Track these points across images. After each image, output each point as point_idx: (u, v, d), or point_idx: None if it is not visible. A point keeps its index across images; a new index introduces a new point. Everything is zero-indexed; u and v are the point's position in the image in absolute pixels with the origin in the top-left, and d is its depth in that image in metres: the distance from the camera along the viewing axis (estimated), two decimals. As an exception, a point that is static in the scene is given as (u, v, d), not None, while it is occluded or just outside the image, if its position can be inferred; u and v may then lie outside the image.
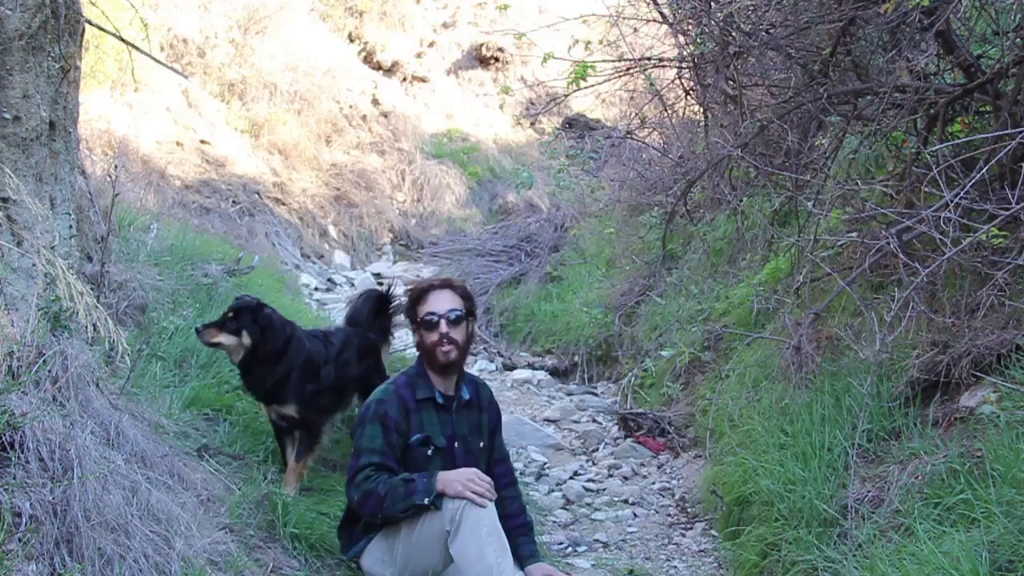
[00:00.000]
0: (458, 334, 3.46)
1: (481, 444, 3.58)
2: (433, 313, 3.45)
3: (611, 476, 5.57)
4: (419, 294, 3.50)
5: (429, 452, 3.39)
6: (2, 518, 2.40)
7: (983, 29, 4.43)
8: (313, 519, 3.69)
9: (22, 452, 2.61)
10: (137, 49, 5.47)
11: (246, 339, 4.07)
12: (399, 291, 5.15)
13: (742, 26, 4.59)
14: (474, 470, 3.28)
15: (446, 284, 3.55)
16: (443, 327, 3.42)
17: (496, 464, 3.66)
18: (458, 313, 3.48)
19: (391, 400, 3.40)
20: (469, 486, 3.17)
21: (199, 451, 3.88)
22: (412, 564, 3.26)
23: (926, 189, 3.63)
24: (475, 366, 8.27)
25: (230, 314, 4.14)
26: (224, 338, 4.08)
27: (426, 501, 3.17)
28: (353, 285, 10.98)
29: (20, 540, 2.43)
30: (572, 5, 9.60)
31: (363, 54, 16.46)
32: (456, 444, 3.48)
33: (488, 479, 3.25)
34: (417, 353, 3.59)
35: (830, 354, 4.33)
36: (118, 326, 3.39)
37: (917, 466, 3.33)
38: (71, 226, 3.78)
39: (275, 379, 4.11)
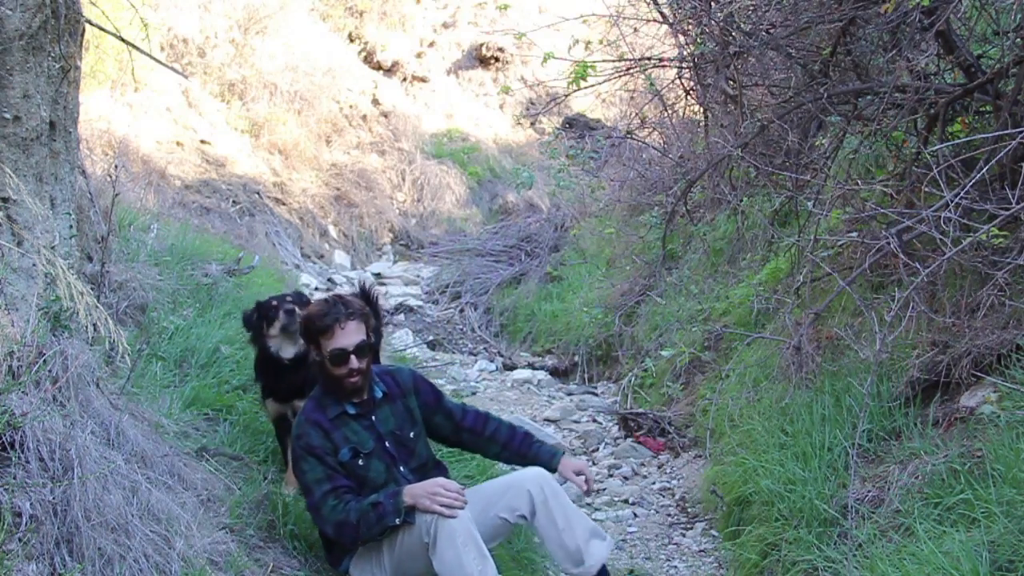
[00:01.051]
0: (364, 361, 3.37)
1: (413, 433, 3.49)
2: (342, 349, 3.32)
3: (611, 476, 5.57)
4: (324, 327, 3.33)
5: (361, 461, 3.34)
6: (2, 518, 2.40)
7: (983, 29, 4.43)
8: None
9: (22, 452, 2.61)
10: (137, 49, 5.47)
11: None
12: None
13: (742, 26, 4.60)
14: (440, 480, 3.21)
15: (352, 315, 3.35)
16: (353, 362, 3.32)
17: (462, 422, 3.59)
18: (364, 343, 3.37)
19: (306, 430, 3.34)
20: (436, 500, 3.12)
21: (198, 452, 3.88)
22: (402, 570, 3.29)
23: (926, 189, 3.63)
24: (475, 366, 8.28)
25: (289, 298, 4.10)
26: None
27: (397, 521, 3.16)
28: (353, 285, 10.98)
29: (20, 540, 2.43)
30: (572, 5, 9.60)
31: (363, 54, 16.46)
32: (387, 443, 3.41)
33: (455, 486, 3.19)
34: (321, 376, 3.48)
35: (830, 354, 4.33)
36: (118, 326, 3.39)
37: (917, 466, 3.33)
38: (71, 226, 3.78)
39: (304, 375, 4.12)
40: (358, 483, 3.33)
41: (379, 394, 3.46)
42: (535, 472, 3.39)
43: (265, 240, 10.71)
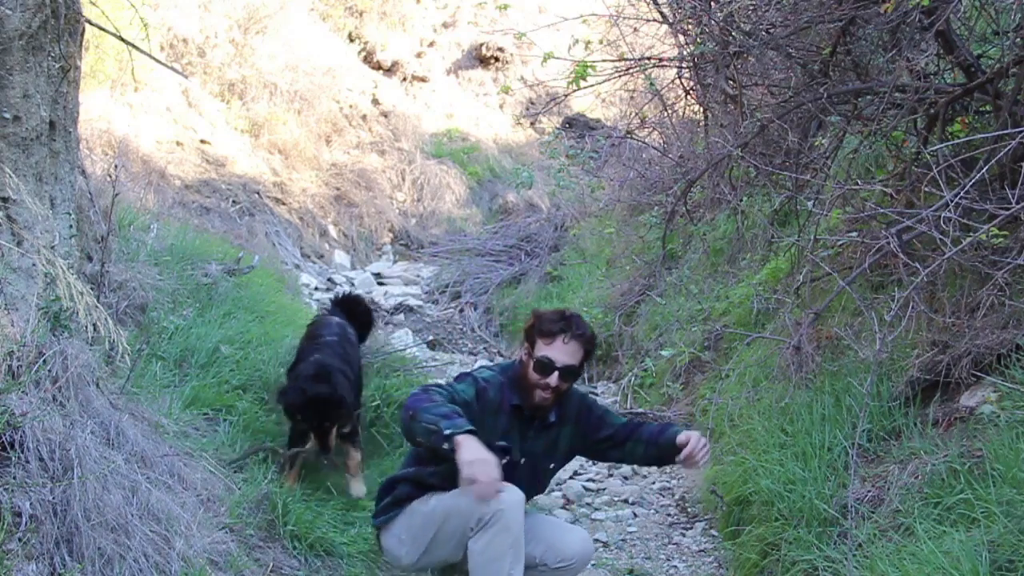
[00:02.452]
0: (564, 386, 3.24)
1: (553, 465, 3.44)
2: (551, 360, 3.19)
3: (611, 476, 5.57)
4: (548, 329, 3.22)
5: (503, 462, 3.01)
6: (2, 518, 2.40)
7: (983, 29, 4.43)
8: (313, 519, 3.69)
9: (22, 452, 2.61)
10: (137, 49, 5.47)
11: None
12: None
13: (742, 26, 4.60)
14: (496, 479, 2.88)
15: (580, 337, 3.22)
16: (554, 379, 3.20)
17: (620, 429, 3.42)
18: (574, 370, 3.24)
19: (494, 385, 3.24)
20: (483, 488, 2.83)
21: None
22: (430, 551, 3.24)
23: (926, 189, 3.63)
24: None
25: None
26: None
27: (444, 446, 2.85)
28: (353, 284, 10.97)
29: (20, 540, 2.43)
30: (572, 5, 9.60)
31: (363, 54, 16.45)
32: (523, 460, 3.30)
33: (498, 486, 2.90)
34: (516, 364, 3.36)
35: (830, 354, 4.33)
36: (118, 326, 3.39)
37: (917, 466, 3.33)
38: (71, 226, 3.78)
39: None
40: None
41: (552, 418, 3.34)
42: (583, 547, 3.34)
43: (265, 240, 10.70)
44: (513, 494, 3.03)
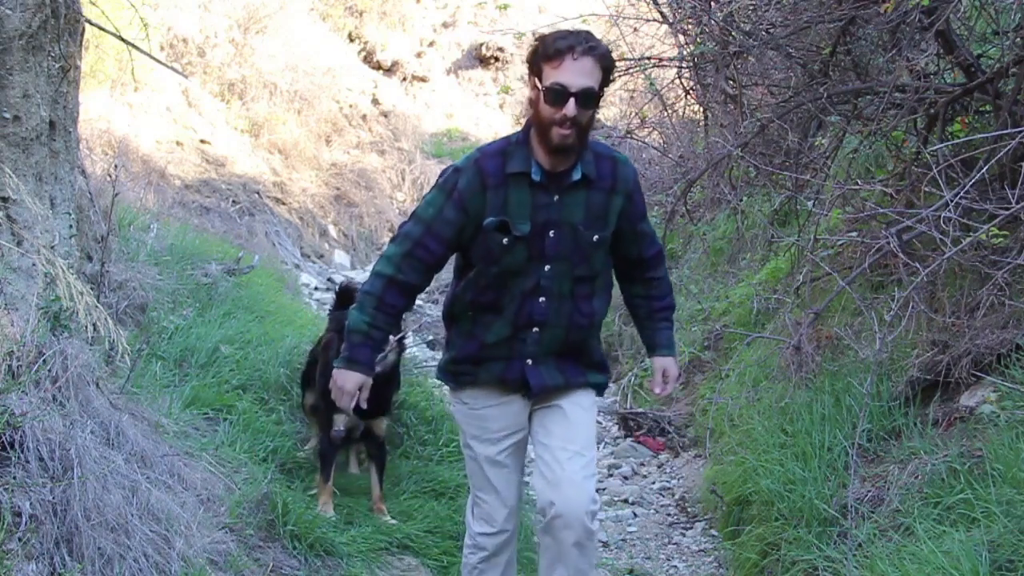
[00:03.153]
0: (584, 116, 2.66)
1: (598, 237, 2.79)
2: (563, 86, 2.61)
3: (611, 475, 5.57)
4: (554, 52, 2.64)
5: (505, 241, 2.72)
6: (2, 518, 2.40)
7: (983, 29, 4.43)
8: (313, 519, 3.69)
9: (22, 452, 2.61)
10: (137, 49, 5.47)
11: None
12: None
13: (742, 26, 4.60)
14: (346, 384, 2.78)
15: (592, 51, 2.64)
16: (570, 108, 2.62)
17: (646, 250, 2.97)
18: (592, 93, 2.65)
19: (467, 170, 2.74)
20: (336, 396, 2.79)
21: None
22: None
23: (926, 189, 3.63)
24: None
25: None
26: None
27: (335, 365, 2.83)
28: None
29: (20, 540, 2.43)
30: (572, 5, 9.60)
31: (363, 54, 16.47)
32: (551, 233, 2.74)
33: (348, 397, 2.78)
34: (526, 118, 2.82)
35: (830, 354, 4.33)
36: (118, 326, 3.39)
37: (917, 466, 3.33)
38: (71, 226, 3.78)
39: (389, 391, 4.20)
40: (485, 259, 2.78)
41: (577, 176, 2.75)
42: (582, 498, 2.79)
43: (265, 240, 10.70)
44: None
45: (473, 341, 2.89)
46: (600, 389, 3.03)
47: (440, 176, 2.84)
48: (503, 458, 2.95)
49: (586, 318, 2.88)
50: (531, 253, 2.75)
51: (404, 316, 2.97)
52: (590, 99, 2.66)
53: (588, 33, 2.72)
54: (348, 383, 2.76)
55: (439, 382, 3.14)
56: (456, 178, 2.74)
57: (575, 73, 2.63)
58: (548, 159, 2.72)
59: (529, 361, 2.86)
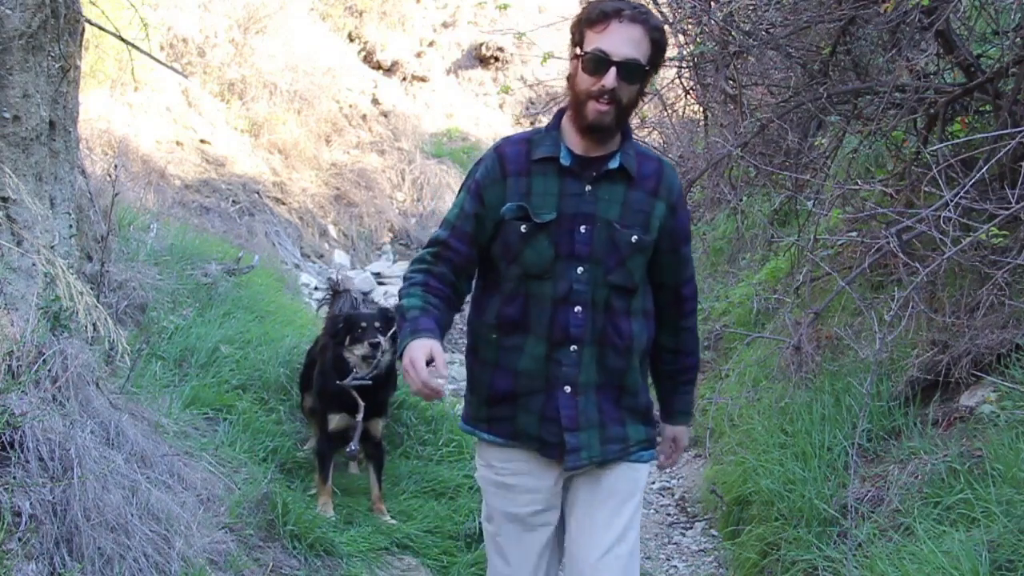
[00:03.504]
0: (626, 93, 2.32)
1: (635, 238, 2.38)
2: (605, 53, 2.28)
3: (611, 476, 5.56)
4: (598, 15, 2.32)
5: (524, 228, 2.35)
6: (2, 518, 2.40)
7: (983, 29, 4.43)
8: (313, 519, 3.69)
9: (22, 452, 2.61)
10: (137, 49, 5.47)
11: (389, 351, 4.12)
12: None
13: (742, 25, 4.60)
14: (419, 361, 2.21)
15: (642, 18, 2.31)
16: (610, 78, 2.28)
17: (684, 285, 2.54)
18: (637, 66, 2.30)
19: (487, 158, 2.47)
20: (411, 377, 2.22)
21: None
22: None
23: (926, 189, 3.63)
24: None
25: (377, 324, 4.12)
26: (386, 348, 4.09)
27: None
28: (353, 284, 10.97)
29: (20, 540, 2.43)
30: (572, 4, 9.60)
31: (363, 54, 16.45)
32: (583, 227, 2.35)
33: (427, 375, 2.20)
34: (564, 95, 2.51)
35: (830, 354, 4.33)
36: (118, 326, 3.39)
37: (917, 466, 3.33)
38: (71, 226, 3.78)
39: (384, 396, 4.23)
40: (505, 255, 2.40)
41: (615, 165, 2.38)
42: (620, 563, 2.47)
43: (265, 240, 10.70)
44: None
45: (504, 374, 2.42)
46: (647, 447, 2.52)
47: (468, 175, 2.55)
48: (532, 541, 2.50)
49: (623, 339, 2.40)
50: (559, 250, 2.35)
51: (454, 311, 2.50)
52: (634, 72, 2.30)
53: (641, 4, 2.36)
54: (417, 352, 2.21)
55: (472, 432, 2.57)
56: (476, 170, 2.48)
57: (620, 40, 2.29)
58: (581, 141, 2.37)
59: (567, 388, 2.37)
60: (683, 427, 2.73)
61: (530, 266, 2.37)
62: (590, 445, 2.39)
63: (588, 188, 2.37)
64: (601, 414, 2.41)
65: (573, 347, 2.37)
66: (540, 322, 2.37)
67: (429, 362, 2.21)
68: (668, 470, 5.63)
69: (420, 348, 2.23)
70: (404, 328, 2.33)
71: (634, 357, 2.45)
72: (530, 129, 2.55)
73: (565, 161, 2.36)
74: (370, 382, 4.01)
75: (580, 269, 2.35)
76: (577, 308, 2.36)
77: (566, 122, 2.42)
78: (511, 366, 2.41)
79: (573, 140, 2.39)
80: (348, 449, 3.94)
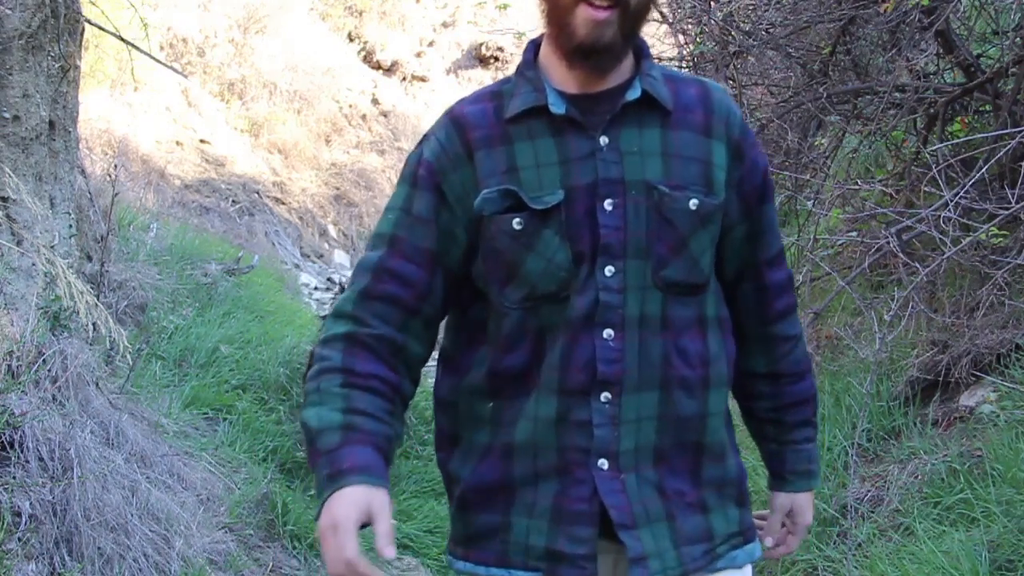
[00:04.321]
0: None
1: (695, 203, 1.42)
2: None
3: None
4: None
5: (517, 224, 1.41)
6: (2, 518, 2.40)
7: (983, 29, 4.43)
8: (312, 519, 3.69)
9: (22, 452, 2.61)
10: (137, 49, 5.47)
11: None
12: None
13: (742, 25, 4.60)
14: (354, 512, 1.31)
15: None
16: None
17: (772, 267, 1.59)
18: None
19: (437, 130, 1.53)
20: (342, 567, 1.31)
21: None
22: None
23: (926, 188, 3.63)
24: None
25: None
26: None
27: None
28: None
29: (20, 540, 2.43)
30: (572, 5, 9.61)
31: (363, 53, 16.46)
32: (608, 202, 1.41)
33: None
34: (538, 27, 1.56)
35: (830, 354, 4.33)
36: (118, 325, 3.39)
37: (917, 466, 3.33)
38: (71, 225, 3.78)
39: None
40: (497, 275, 1.45)
41: (635, 95, 1.43)
42: None
43: (265, 239, 10.71)
44: None
45: (491, 457, 1.48)
46: (745, 540, 1.60)
47: (405, 163, 1.56)
48: None
49: (695, 368, 1.45)
50: (576, 246, 1.39)
51: (404, 406, 1.50)
52: None
53: None
54: (343, 513, 1.31)
55: (450, 565, 1.59)
56: (421, 149, 1.51)
57: None
58: (573, 74, 1.44)
59: (603, 462, 1.41)
60: (805, 494, 1.75)
61: (539, 282, 1.41)
62: (660, 552, 1.42)
63: (603, 140, 1.41)
64: (668, 500, 1.45)
65: (605, 395, 1.40)
66: (550, 361, 1.42)
67: (364, 526, 1.31)
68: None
69: (349, 507, 1.30)
70: (318, 466, 1.37)
71: (714, 395, 1.49)
72: (495, 86, 1.57)
73: (558, 108, 1.42)
74: None
75: (609, 269, 1.40)
76: (607, 332, 1.40)
77: (546, 55, 1.50)
78: (505, 438, 1.46)
79: (561, 76, 1.45)
80: None
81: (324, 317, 4.03)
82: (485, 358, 1.48)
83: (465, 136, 1.48)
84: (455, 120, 1.52)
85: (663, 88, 1.46)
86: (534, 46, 1.57)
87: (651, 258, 1.42)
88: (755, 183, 1.52)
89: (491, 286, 1.47)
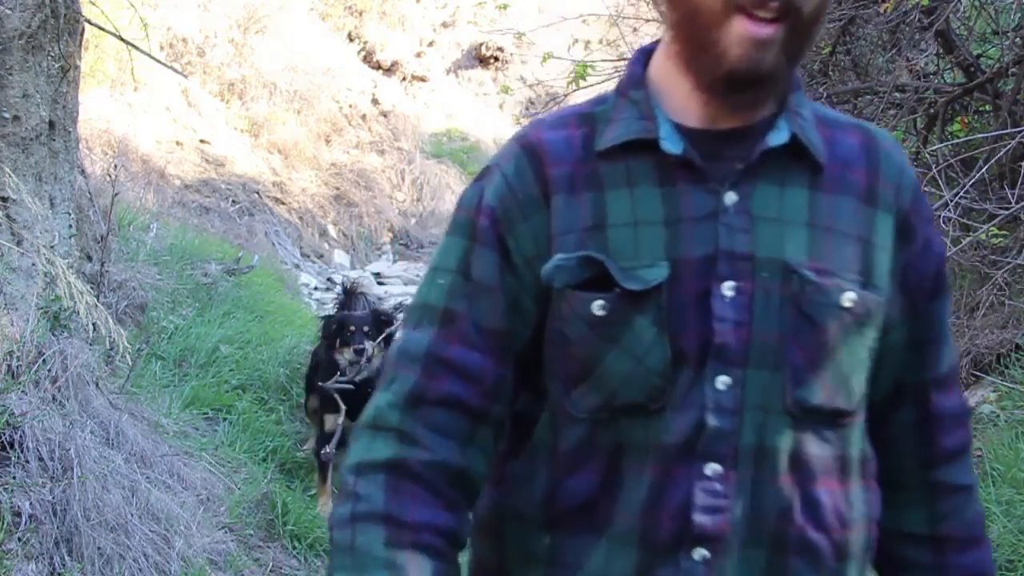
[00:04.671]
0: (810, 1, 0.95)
1: (850, 297, 1.00)
2: None
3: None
4: None
5: (600, 308, 0.99)
6: (2, 518, 2.40)
7: (983, 29, 4.43)
8: (312, 519, 3.69)
9: (22, 452, 2.61)
10: (137, 49, 5.47)
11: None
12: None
13: (742, 26, 4.60)
14: None
15: None
16: None
17: (942, 389, 1.12)
18: None
19: (502, 164, 1.08)
20: None
21: None
22: None
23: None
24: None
25: (365, 328, 4.18)
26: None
27: None
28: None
29: (20, 540, 2.43)
30: (572, 5, 9.60)
31: (363, 53, 16.46)
32: (729, 287, 0.99)
33: None
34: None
35: (830, 354, 4.33)
36: (118, 325, 3.39)
37: (917, 466, 3.33)
38: (71, 225, 3.78)
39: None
40: (561, 366, 1.05)
41: (781, 140, 1.01)
42: None
43: (265, 239, 10.70)
44: None
45: None
46: None
47: (457, 206, 1.14)
48: None
49: (831, 530, 1.03)
50: (678, 344, 1.01)
51: (459, 549, 1.04)
52: None
53: None
54: None
55: None
56: (480, 190, 1.09)
57: None
58: (707, 101, 1.03)
59: None
60: None
61: (622, 388, 1.02)
62: None
63: (730, 198, 1.02)
64: None
65: (702, 553, 1.01)
66: (632, 502, 1.02)
67: None
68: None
69: None
70: None
71: (852, 571, 1.07)
72: (585, 101, 1.16)
73: (672, 146, 1.02)
74: (352, 386, 4.04)
75: (723, 381, 1.00)
76: (711, 468, 1.00)
77: (663, 72, 1.07)
78: None
79: (681, 103, 1.05)
80: (324, 451, 3.96)
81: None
82: (536, 474, 1.07)
83: (543, 172, 1.05)
84: (529, 149, 1.08)
85: (815, 133, 1.05)
86: (643, 56, 1.11)
87: (783, 370, 1.00)
88: (926, 272, 1.14)
89: (553, 382, 1.06)
